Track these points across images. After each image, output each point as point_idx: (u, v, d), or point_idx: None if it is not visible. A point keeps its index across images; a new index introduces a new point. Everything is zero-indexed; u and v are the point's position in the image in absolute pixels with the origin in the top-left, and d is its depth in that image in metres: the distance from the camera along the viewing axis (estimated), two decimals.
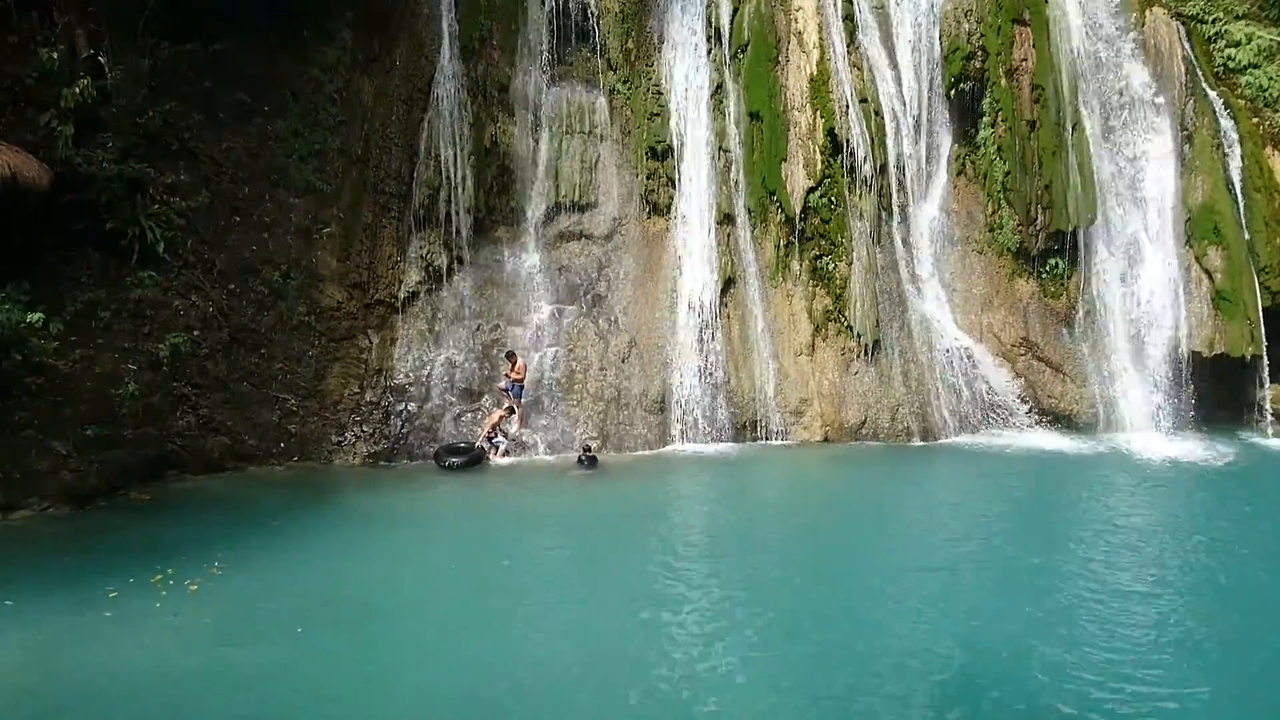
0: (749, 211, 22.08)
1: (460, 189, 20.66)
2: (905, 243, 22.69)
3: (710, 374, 20.74)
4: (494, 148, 21.33)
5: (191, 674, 8.65)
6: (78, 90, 16.73)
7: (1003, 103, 22.20)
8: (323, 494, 16.20)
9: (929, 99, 23.28)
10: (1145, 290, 22.13)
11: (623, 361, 20.59)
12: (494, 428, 18.86)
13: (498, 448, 18.75)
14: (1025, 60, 22.00)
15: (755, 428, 20.75)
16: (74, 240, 16.72)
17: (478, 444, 18.54)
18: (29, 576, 11.28)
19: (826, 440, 20.61)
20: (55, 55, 16.77)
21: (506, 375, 19.36)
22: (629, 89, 22.51)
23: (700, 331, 21.06)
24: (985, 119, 22.60)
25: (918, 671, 8.58)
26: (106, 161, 16.75)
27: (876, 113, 22.23)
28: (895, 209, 22.53)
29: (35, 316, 14.50)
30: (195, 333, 17.39)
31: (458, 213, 20.64)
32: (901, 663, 8.74)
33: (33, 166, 15.38)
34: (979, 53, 22.52)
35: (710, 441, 20.22)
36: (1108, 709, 7.83)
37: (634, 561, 12.10)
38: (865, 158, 21.58)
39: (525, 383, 19.50)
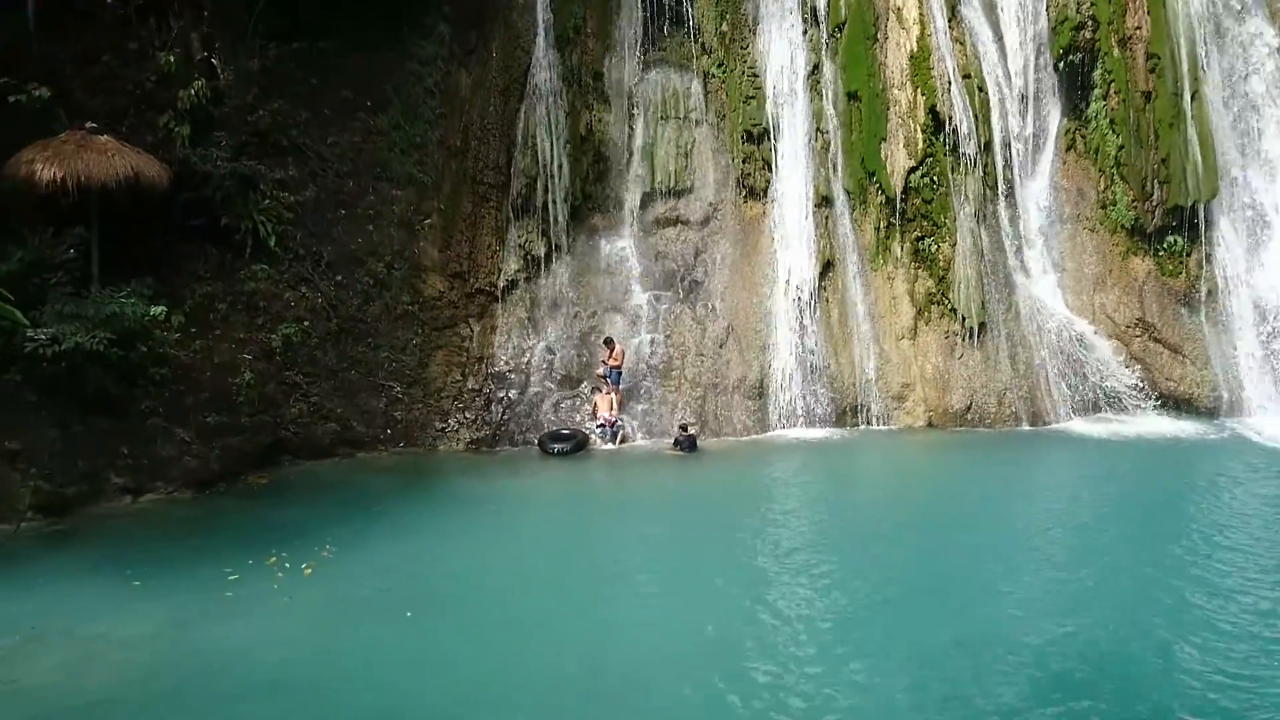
0: (848, 193, 21.67)
1: (557, 177, 20.75)
2: (1012, 222, 21.97)
3: (809, 359, 20.44)
4: (589, 136, 21.37)
5: (307, 654, 8.86)
6: (193, 92, 17.34)
7: (1115, 73, 21.30)
8: (428, 479, 16.47)
9: (1036, 72, 22.47)
10: (1273, 266, 21.00)
11: (720, 347, 20.44)
12: (595, 413, 18.91)
13: (602, 434, 18.79)
14: (1139, 28, 21.04)
15: (856, 413, 20.39)
16: (192, 236, 17.36)
17: (583, 429, 18.61)
18: (156, 557, 11.73)
19: (930, 426, 20.12)
20: (172, 59, 17.39)
21: (604, 362, 19.40)
22: (724, 72, 22.29)
23: (799, 316, 20.76)
24: (1096, 91, 21.72)
25: (1042, 668, 8.14)
26: (220, 160, 17.32)
27: (980, 88, 21.55)
28: (1001, 187, 21.82)
29: (158, 310, 15.06)
30: (305, 323, 17.86)
31: (555, 201, 20.75)
32: (1027, 659, 8.30)
33: (153, 166, 15.96)
34: (1089, 22, 21.64)
35: (810, 427, 19.93)
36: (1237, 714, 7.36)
37: (735, 545, 11.99)
38: (969, 135, 20.96)
39: (623, 369, 19.50)
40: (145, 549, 12.27)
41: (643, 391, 19.90)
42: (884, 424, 20.25)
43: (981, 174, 21.23)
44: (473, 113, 20.59)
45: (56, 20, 16.60)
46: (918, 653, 8.43)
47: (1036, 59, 22.44)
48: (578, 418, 18.98)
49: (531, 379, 19.74)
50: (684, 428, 18.40)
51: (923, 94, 20.90)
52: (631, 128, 21.98)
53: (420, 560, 11.73)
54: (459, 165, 20.34)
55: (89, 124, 15.82)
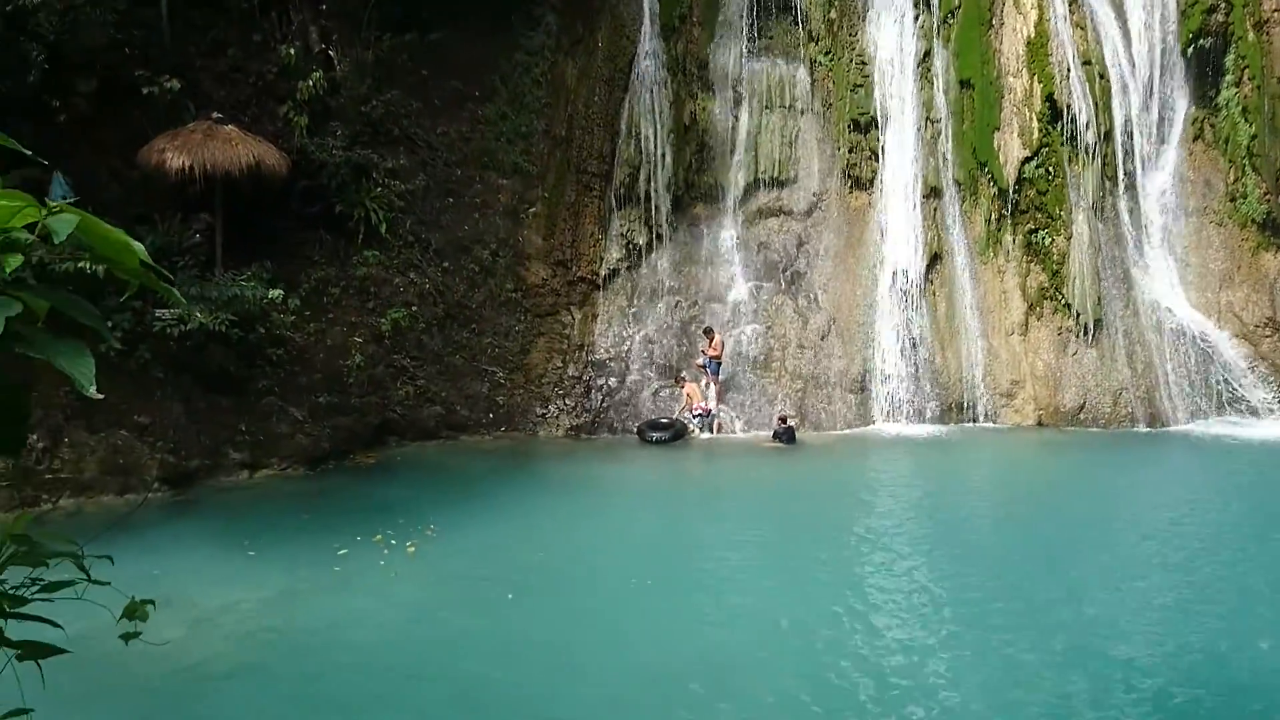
0: (958, 184, 21.09)
1: (660, 167, 20.76)
2: (1131, 215, 21.03)
3: (914, 353, 19.98)
4: (693, 125, 21.31)
5: (411, 630, 9.07)
6: (311, 83, 17.91)
7: (1250, 59, 20.16)
8: (529, 464, 16.69)
9: (1162, 58, 21.44)
10: None
11: (822, 339, 20.16)
12: (693, 403, 18.87)
13: (700, 423, 18.75)
14: (1278, 10, 19.88)
15: (962, 409, 19.86)
16: (308, 223, 17.96)
17: (679, 419, 18.61)
18: (271, 530, 12.18)
19: (1040, 425, 19.45)
20: (292, 51, 18.00)
21: (704, 352, 19.34)
22: (831, 60, 21.93)
23: (903, 309, 20.32)
24: (1228, 78, 20.60)
25: (1145, 681, 7.70)
26: (336, 149, 17.87)
27: (1101, 75, 20.67)
28: (1121, 178, 20.91)
29: (276, 293, 15.61)
30: (413, 308, 18.30)
31: (657, 190, 20.76)
32: (1141, 670, 7.89)
33: (274, 155, 16.56)
34: (1222, 4, 20.52)
35: (913, 423, 19.49)
36: None
37: (830, 540, 11.79)
38: (1088, 124, 20.14)
39: (723, 360, 19.40)
40: (261, 522, 12.76)
41: (742, 383, 19.78)
42: (991, 422, 19.67)
43: (1100, 165, 20.39)
44: (578, 102, 20.74)
45: (187, 15, 17.35)
46: (1013, 660, 8.12)
47: (1163, 44, 21.39)
48: (677, 407, 18.99)
49: (631, 367, 19.82)
50: (783, 419, 18.22)
51: (1039, 81, 20.17)
52: (736, 117, 21.81)
53: (520, 543, 11.89)
54: (563, 154, 20.53)
55: (215, 114, 16.49)
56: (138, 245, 1.45)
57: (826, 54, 21.97)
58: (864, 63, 21.74)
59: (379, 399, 17.48)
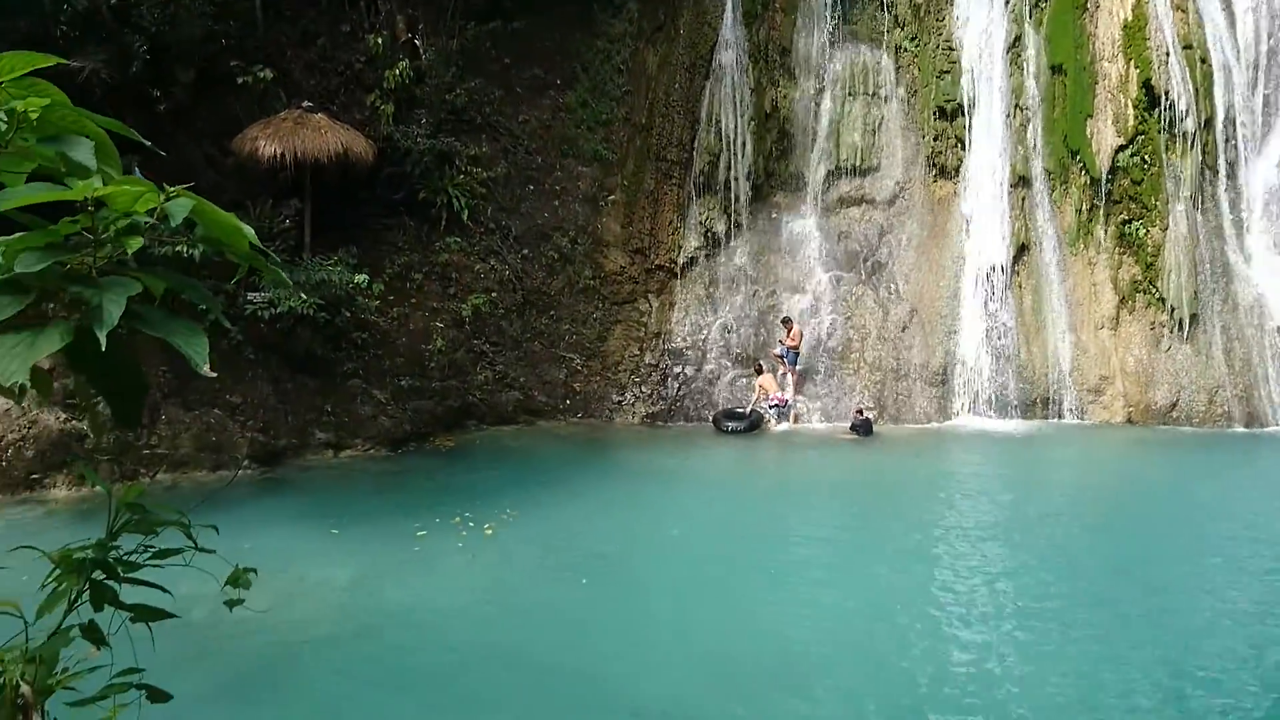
0: (1047, 173, 20.49)
1: (740, 155, 20.63)
2: (1232, 205, 20.18)
3: (998, 346, 19.52)
4: (774, 112, 21.11)
5: (487, 611, 9.23)
6: (397, 72, 18.24)
7: None
8: (605, 450, 16.80)
9: (1270, 42, 20.46)
10: None
11: (903, 331, 19.83)
12: (766, 388, 18.74)
13: (777, 414, 18.63)
14: None
15: (1047, 405, 19.35)
16: (392, 209, 18.32)
17: (755, 409, 18.51)
18: (353, 509, 12.51)
19: (1129, 422, 18.85)
20: (380, 40, 18.35)
21: (782, 342, 19.19)
22: (917, 46, 21.47)
23: (988, 301, 19.85)
24: None
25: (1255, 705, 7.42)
26: (420, 136, 18.18)
27: (1203, 59, 19.83)
28: (1222, 167, 20.06)
29: (361, 278, 15.98)
30: (493, 294, 18.54)
31: (737, 179, 20.64)
32: (1231, 679, 7.62)
33: (360, 142, 16.93)
34: None
35: (996, 417, 19.06)
36: None
37: (908, 535, 11.62)
38: (1187, 111, 19.36)
39: (800, 350, 19.22)
40: (344, 501, 13.11)
41: (820, 373, 19.59)
42: (1078, 418, 19.13)
43: (1200, 154, 19.59)
44: (658, 90, 20.72)
45: (279, 6, 17.82)
46: (1094, 672, 7.90)
47: (1272, 27, 20.41)
48: (752, 397, 18.88)
49: (708, 356, 19.78)
50: (860, 411, 18.00)
51: (1136, 66, 19.46)
52: (818, 104, 21.53)
53: (595, 529, 11.99)
54: (643, 142, 20.54)
55: (305, 103, 16.93)
56: (248, 229, 1.51)
57: (912, 40, 21.52)
58: (951, 48, 21.24)
59: (459, 383, 17.78)
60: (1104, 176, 19.57)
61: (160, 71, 15.74)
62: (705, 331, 20.02)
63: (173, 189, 1.44)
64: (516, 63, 20.03)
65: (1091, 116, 19.82)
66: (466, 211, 18.60)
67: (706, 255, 20.61)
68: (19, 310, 1.30)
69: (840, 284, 20.49)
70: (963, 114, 20.95)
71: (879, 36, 21.67)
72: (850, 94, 21.52)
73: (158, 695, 1.80)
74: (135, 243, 1.39)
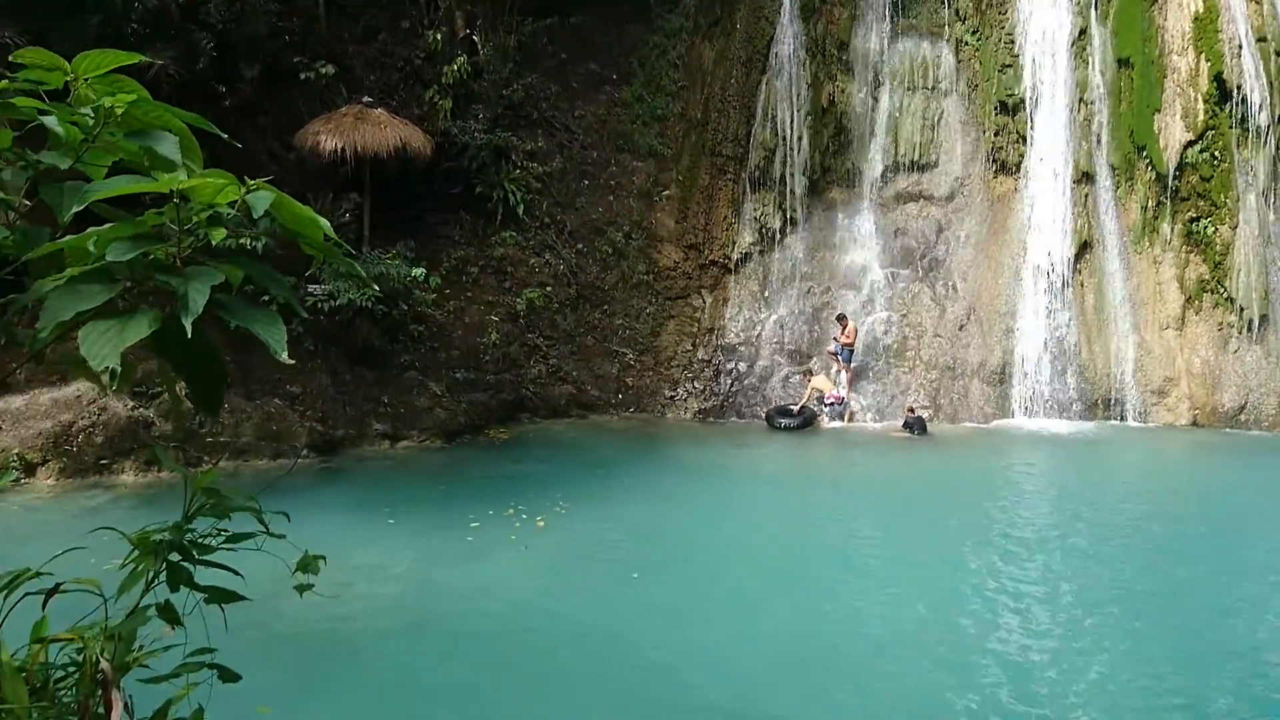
0: (1112, 169, 20.02)
1: (796, 150, 20.49)
2: None
3: (1059, 346, 19.15)
4: (831, 107, 20.92)
5: (539, 602, 9.27)
6: (455, 67, 18.43)
7: None
8: (656, 445, 16.82)
9: None
10: None
11: (960, 329, 19.54)
12: (820, 389, 18.60)
13: (831, 412, 18.48)
14: None
15: (1109, 406, 18.94)
16: (449, 203, 18.52)
17: (808, 407, 18.38)
18: (409, 499, 12.69)
19: (1195, 425, 18.38)
20: (438, 36, 18.56)
21: (836, 339, 19.03)
22: (978, 39, 21.11)
23: (1049, 300, 19.48)
24: None
25: None
26: (477, 131, 18.35)
27: (1277, 52, 19.23)
28: None
29: (418, 271, 16.19)
30: (547, 288, 18.66)
31: (793, 174, 20.51)
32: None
33: (419, 137, 17.14)
34: None
35: (1055, 418, 18.70)
36: None
37: (963, 536, 11.44)
38: (1261, 105, 18.77)
39: (855, 347, 19.04)
40: (400, 490, 13.31)
41: (874, 371, 19.39)
42: (1140, 420, 18.70)
43: (1273, 149, 19.00)
44: (714, 85, 20.66)
45: (341, 3, 18.11)
46: (1154, 686, 7.72)
47: None
48: (805, 393, 18.74)
49: (761, 352, 19.70)
50: (912, 409, 17.79)
51: (1207, 59, 18.92)
52: (875, 99, 21.29)
53: (647, 523, 12.01)
54: (698, 137, 20.50)
55: (366, 98, 17.19)
56: (324, 221, 1.54)
57: (974, 33, 21.16)
58: (1013, 42, 20.85)
59: (513, 376, 17.93)
60: (1171, 173, 19.07)
61: (226, 68, 16.08)
62: (759, 328, 19.93)
63: (253, 182, 1.48)
64: (573, 58, 20.12)
65: (1159, 111, 19.33)
66: (522, 206, 18.75)
67: (761, 251, 20.51)
68: (109, 298, 1.35)
69: (896, 281, 20.27)
70: (1024, 109, 20.55)
71: (939, 30, 21.35)
72: (909, 88, 21.25)
73: (228, 675, 1.85)
74: (219, 234, 1.43)
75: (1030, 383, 19.00)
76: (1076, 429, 18.24)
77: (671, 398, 19.19)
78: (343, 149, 16.07)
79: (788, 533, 11.97)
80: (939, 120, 21.20)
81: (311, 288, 14.94)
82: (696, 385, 19.31)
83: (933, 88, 21.27)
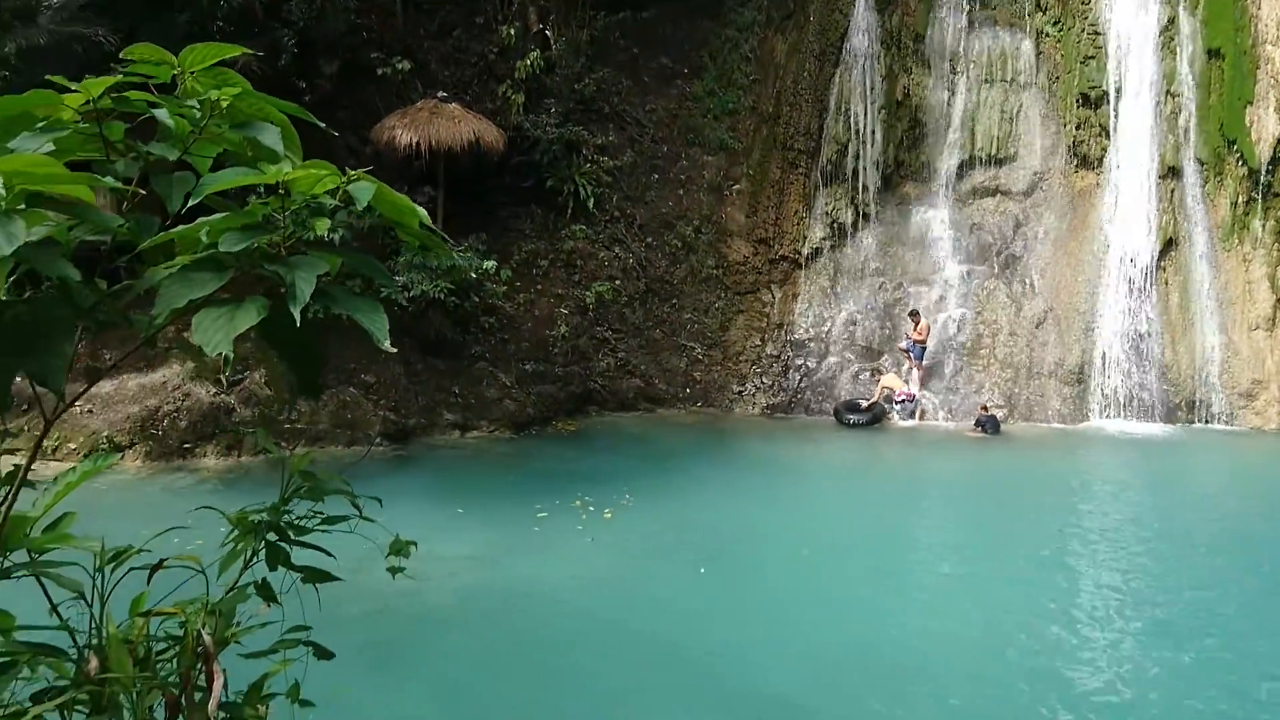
0: (1199, 163, 19.33)
1: (869, 144, 20.22)
2: None
3: (1140, 345, 18.58)
4: (906, 100, 20.58)
5: (606, 594, 9.33)
6: (528, 62, 18.59)
7: None
8: (724, 439, 16.78)
9: None
10: None
11: (1037, 327, 19.09)
12: (891, 388, 18.33)
13: (902, 410, 18.21)
14: None
15: (1193, 409, 18.32)
16: (520, 197, 18.70)
17: (878, 403, 18.14)
18: (478, 488, 12.87)
19: None
20: (512, 32, 18.74)
21: (908, 335, 18.74)
22: (1060, 30, 20.55)
23: (1130, 298, 18.89)
24: None
25: None
26: (549, 125, 18.48)
27: None
28: None
29: (490, 264, 16.38)
30: (616, 282, 18.74)
31: (865, 168, 20.24)
32: None
33: (492, 132, 17.34)
34: None
35: (1136, 420, 18.14)
36: None
37: (1034, 539, 11.16)
38: None
39: (927, 344, 18.73)
40: (469, 480, 13.51)
41: (947, 369, 19.05)
42: (1226, 424, 18.04)
43: None
44: (786, 78, 20.49)
45: (417, 0, 18.41)
46: (1223, 687, 7.45)
47: None
48: (874, 390, 18.50)
49: (831, 348, 19.50)
50: (985, 408, 17.44)
51: None
52: (952, 92, 20.87)
53: (714, 517, 12.00)
54: (770, 131, 20.36)
55: (440, 93, 17.45)
56: (421, 211, 1.58)
57: (1055, 24, 20.61)
58: (1097, 32, 20.24)
59: (581, 369, 18.06)
60: (1264, 167, 18.36)
61: (306, 64, 16.47)
62: (829, 323, 19.74)
63: (353, 172, 1.52)
64: (644, 52, 20.15)
65: (1251, 104, 18.61)
66: (592, 200, 18.85)
67: (832, 246, 20.30)
68: (219, 286, 1.40)
69: (971, 277, 19.88)
70: (1108, 101, 19.95)
71: (1019, 21, 20.84)
72: (987, 81, 20.80)
73: (323, 653, 1.91)
74: (322, 224, 1.47)
75: (1110, 383, 18.47)
76: (1158, 431, 17.69)
77: (739, 393, 19.12)
78: (418, 143, 16.34)
79: (855, 531, 11.84)
80: (1018, 113, 20.70)
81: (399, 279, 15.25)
82: (765, 380, 19.20)
83: (1011, 80, 20.78)
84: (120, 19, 15.93)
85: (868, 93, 20.23)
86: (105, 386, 13.96)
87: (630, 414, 18.32)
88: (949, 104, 20.83)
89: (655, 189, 19.84)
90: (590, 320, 18.42)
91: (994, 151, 20.51)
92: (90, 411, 13.71)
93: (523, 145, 18.46)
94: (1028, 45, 20.80)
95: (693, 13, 20.32)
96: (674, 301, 19.38)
